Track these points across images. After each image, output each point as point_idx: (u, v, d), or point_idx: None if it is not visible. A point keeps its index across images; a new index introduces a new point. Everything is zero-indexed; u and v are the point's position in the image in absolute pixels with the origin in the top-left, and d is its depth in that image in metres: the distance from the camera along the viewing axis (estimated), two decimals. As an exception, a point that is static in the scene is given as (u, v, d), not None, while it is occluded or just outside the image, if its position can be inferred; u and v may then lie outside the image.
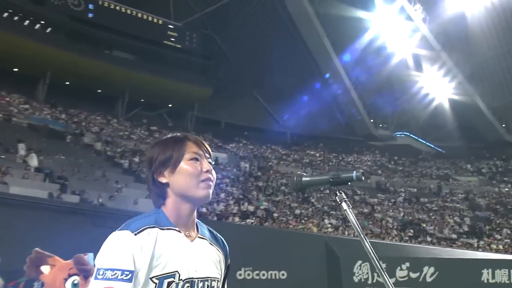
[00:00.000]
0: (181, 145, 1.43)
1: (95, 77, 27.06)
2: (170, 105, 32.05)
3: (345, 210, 1.42)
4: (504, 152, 34.12)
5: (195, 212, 1.47)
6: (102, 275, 1.25)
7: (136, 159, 21.62)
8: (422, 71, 34.55)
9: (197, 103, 32.14)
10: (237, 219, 17.49)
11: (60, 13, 26.44)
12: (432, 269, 12.90)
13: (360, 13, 31.95)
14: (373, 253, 1.34)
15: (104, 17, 27.87)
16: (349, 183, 1.42)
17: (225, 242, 1.56)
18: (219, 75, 32.80)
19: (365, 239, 1.36)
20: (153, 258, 1.31)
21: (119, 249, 1.28)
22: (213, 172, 1.45)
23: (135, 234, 1.30)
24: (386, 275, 1.32)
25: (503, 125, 36.00)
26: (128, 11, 29.32)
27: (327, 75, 35.77)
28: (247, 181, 23.26)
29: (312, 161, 32.00)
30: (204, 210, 16.40)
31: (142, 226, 1.33)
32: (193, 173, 1.40)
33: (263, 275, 8.40)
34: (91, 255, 2.06)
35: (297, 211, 20.87)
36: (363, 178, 1.39)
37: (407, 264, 12.54)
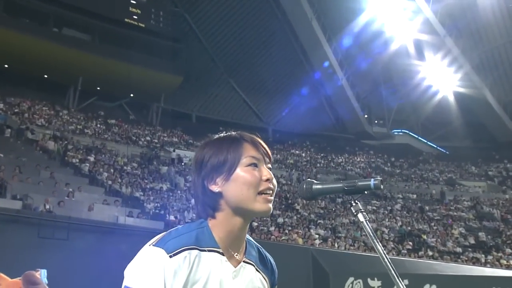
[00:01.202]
0: (237, 147, 1.41)
1: (41, 60, 26.52)
2: (131, 95, 31.72)
3: (362, 222, 1.44)
4: (515, 154, 34.97)
5: (247, 227, 1.45)
6: None
7: (91, 158, 21.35)
8: (424, 60, 35.09)
9: (164, 93, 31.89)
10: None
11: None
12: (434, 287, 13.14)
13: (355, -8, 32.26)
14: (395, 272, 1.35)
15: (53, -12, 27.32)
16: (365, 192, 1.45)
17: (274, 267, 1.56)
18: (190, 61, 32.60)
19: (385, 255, 1.38)
20: (187, 286, 1.31)
21: (151, 270, 1.28)
22: (274, 180, 1.43)
23: (170, 256, 1.30)
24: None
25: (515, 123, 36.88)
26: (82, -18, 28.81)
27: (316, 63, 35.98)
28: (222, 185, 23.22)
29: (297, 162, 32.21)
30: (172, 218, 16.30)
31: (180, 247, 1.32)
32: (251, 182, 1.38)
33: (241, 294, 8.41)
34: (43, 271, 1.99)
35: (280, 220, 20.97)
36: (381, 186, 1.43)
37: (406, 281, 12.74)
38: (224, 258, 1.39)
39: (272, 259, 1.57)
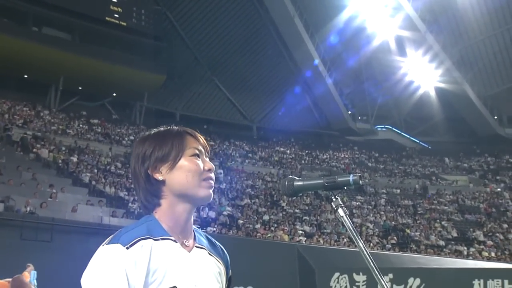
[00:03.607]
0: (181, 139, 1.49)
1: (21, 59, 26.12)
2: (114, 94, 31.43)
3: (342, 216, 1.48)
4: (496, 148, 35.52)
5: (192, 216, 1.51)
6: None
7: (74, 158, 21.13)
8: (405, 56, 35.41)
9: (147, 91, 31.67)
10: (196, 227, 17.42)
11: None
12: (418, 281, 13.33)
13: (337, -11, 32.38)
14: (375, 266, 1.37)
15: (32, -14, 26.90)
16: (345, 188, 1.50)
17: (225, 251, 1.62)
18: (173, 59, 32.42)
19: (365, 249, 1.41)
20: (149, 274, 1.34)
21: (110, 266, 1.30)
22: (213, 172, 1.50)
23: (127, 248, 1.33)
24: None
25: (495, 117, 37.42)
26: (62, -20, 28.42)
27: (299, 60, 36.05)
28: (207, 183, 23.16)
29: (282, 159, 32.27)
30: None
31: (134, 238, 1.36)
32: (196, 170, 1.46)
33: (228, 292, 8.45)
34: (34, 273, 2.00)
35: (266, 217, 21.01)
36: (360, 182, 1.49)
37: (390, 275, 12.89)
38: (178, 244, 1.44)
39: (221, 245, 1.63)
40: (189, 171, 1.44)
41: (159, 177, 1.45)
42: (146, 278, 1.32)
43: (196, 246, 1.49)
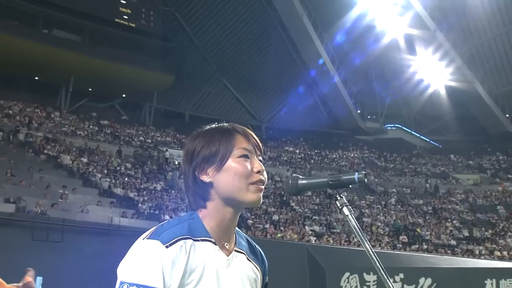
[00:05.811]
0: (229, 138, 1.42)
1: (31, 61, 26.36)
2: (124, 95, 31.62)
3: (347, 215, 1.44)
4: (508, 146, 35.19)
5: (237, 218, 1.46)
6: None
7: (84, 159, 21.27)
8: (415, 54, 35.22)
9: (156, 92, 31.82)
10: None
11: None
12: (429, 280, 13.24)
13: (345, -13, 32.29)
14: (381, 265, 1.36)
15: (42, -11, 27.13)
16: (350, 186, 1.45)
17: (264, 257, 1.57)
18: (181, 60, 32.52)
19: (370, 249, 1.38)
20: (185, 275, 1.31)
21: (148, 262, 1.27)
22: (265, 173, 1.44)
23: (167, 247, 1.30)
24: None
25: (507, 115, 37.07)
26: (71, -17, 28.63)
27: (308, 60, 35.99)
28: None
29: (291, 159, 32.24)
30: (167, 217, 16.27)
31: (175, 237, 1.32)
32: (242, 173, 1.39)
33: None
34: (39, 279, 2.02)
35: (275, 217, 21.01)
36: (366, 180, 1.44)
37: (401, 275, 12.82)
38: (217, 247, 1.40)
39: (261, 250, 1.59)
40: (236, 174, 1.38)
41: (205, 179, 1.40)
42: (182, 279, 1.30)
43: (235, 250, 1.46)
